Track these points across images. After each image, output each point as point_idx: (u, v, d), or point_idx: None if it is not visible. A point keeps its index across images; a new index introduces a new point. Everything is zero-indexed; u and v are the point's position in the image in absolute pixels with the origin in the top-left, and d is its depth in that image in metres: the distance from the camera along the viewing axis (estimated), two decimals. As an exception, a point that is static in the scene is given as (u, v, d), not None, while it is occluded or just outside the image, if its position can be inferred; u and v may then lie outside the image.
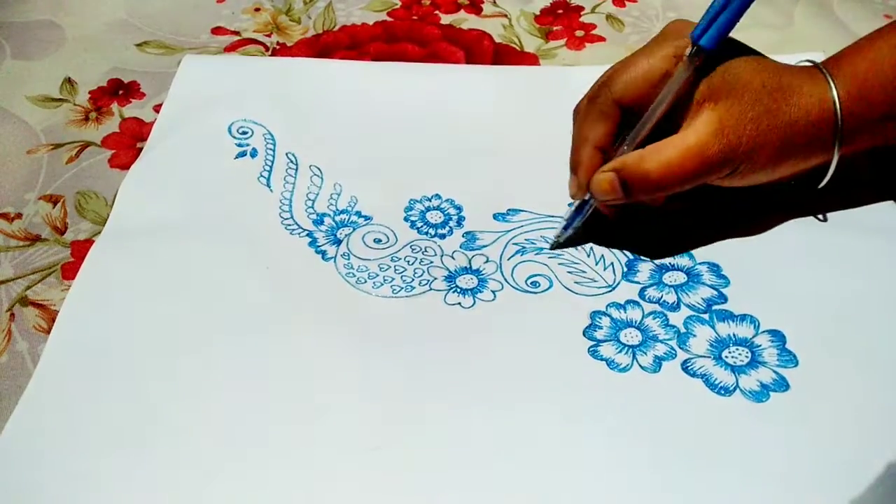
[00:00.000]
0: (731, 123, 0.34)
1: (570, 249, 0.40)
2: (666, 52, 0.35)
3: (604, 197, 0.36)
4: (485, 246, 0.40)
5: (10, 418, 0.33)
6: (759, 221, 0.41)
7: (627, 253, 0.40)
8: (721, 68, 0.35)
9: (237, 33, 0.56)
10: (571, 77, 0.50)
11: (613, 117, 0.37)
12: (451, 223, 0.41)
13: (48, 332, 0.37)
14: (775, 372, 0.34)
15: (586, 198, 0.37)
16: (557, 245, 0.40)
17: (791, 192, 0.39)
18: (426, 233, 0.41)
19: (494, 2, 0.59)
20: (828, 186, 0.38)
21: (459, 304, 0.38)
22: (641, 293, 0.38)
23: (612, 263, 0.39)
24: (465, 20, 0.57)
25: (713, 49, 0.34)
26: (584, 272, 0.39)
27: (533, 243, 0.40)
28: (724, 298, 0.37)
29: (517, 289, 0.38)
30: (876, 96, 0.34)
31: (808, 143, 0.35)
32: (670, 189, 0.35)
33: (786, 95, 0.34)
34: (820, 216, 0.41)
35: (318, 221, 0.42)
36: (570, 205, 0.39)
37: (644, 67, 0.36)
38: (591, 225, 0.40)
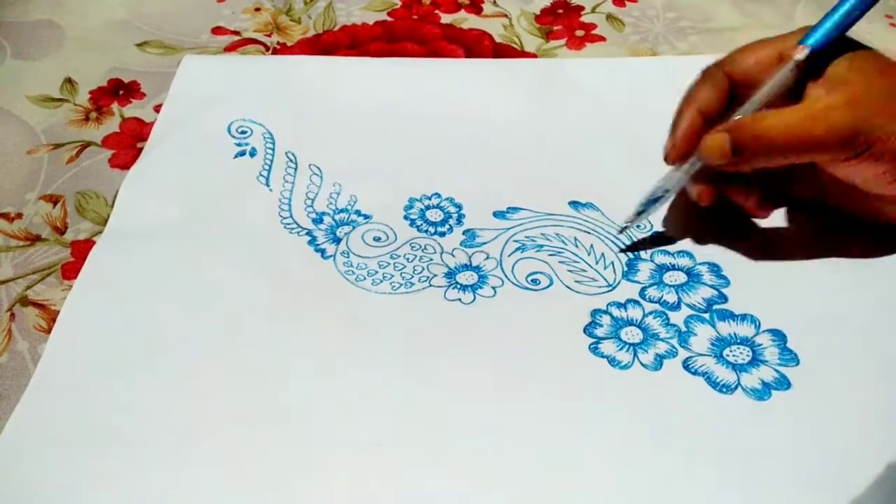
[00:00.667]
0: (865, 95, 0.32)
1: (571, 248, 0.40)
2: (787, 44, 0.35)
3: (713, 159, 0.34)
4: (485, 243, 0.40)
5: (10, 418, 0.33)
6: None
7: (628, 253, 0.39)
8: (846, 58, 0.34)
9: (237, 33, 0.56)
10: (569, 70, 0.50)
11: (722, 87, 0.36)
12: (451, 221, 0.41)
13: (48, 331, 0.37)
14: (777, 370, 0.34)
15: (661, 184, 0.37)
16: (624, 230, 0.40)
17: None
18: (426, 231, 0.41)
19: (495, 2, 0.59)
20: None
21: (459, 300, 0.38)
22: (642, 293, 0.38)
23: (612, 262, 0.39)
24: (466, 20, 0.57)
25: (817, 49, 0.34)
26: (584, 271, 0.39)
27: (533, 240, 0.40)
28: (724, 298, 0.37)
29: (517, 286, 0.38)
30: None
31: None
32: (785, 154, 0.33)
33: None
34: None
35: (318, 220, 0.42)
36: (657, 187, 0.38)
37: (762, 52, 0.36)
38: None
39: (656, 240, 0.40)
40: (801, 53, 0.34)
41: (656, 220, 0.41)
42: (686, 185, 0.38)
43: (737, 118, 0.35)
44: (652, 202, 0.38)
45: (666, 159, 0.37)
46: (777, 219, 0.40)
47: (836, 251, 0.38)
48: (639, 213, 0.39)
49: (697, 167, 0.36)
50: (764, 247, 0.39)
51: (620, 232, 0.40)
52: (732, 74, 0.37)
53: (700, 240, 0.40)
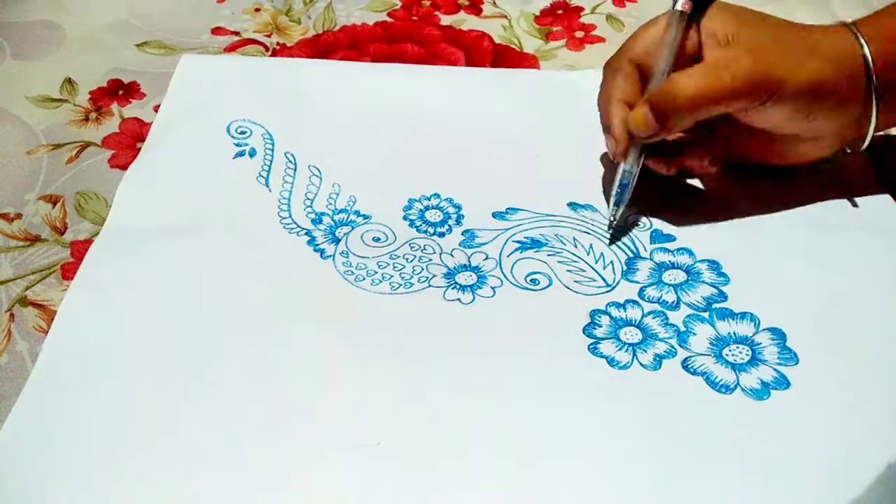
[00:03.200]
0: (763, 42, 0.34)
1: (570, 247, 0.40)
2: (667, 17, 0.37)
3: (641, 132, 0.36)
4: (484, 244, 0.40)
5: (8, 418, 0.33)
6: (748, 205, 0.41)
7: (628, 252, 0.40)
8: (731, 11, 0.36)
9: (237, 33, 0.56)
10: (571, 80, 0.50)
11: (632, 74, 0.38)
12: (451, 222, 0.41)
13: (48, 332, 0.37)
14: (776, 370, 0.34)
15: (625, 167, 0.39)
16: (612, 225, 0.40)
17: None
18: (425, 231, 0.41)
19: (494, 3, 0.59)
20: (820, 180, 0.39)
21: (459, 300, 0.38)
22: (641, 293, 0.38)
23: (611, 262, 0.39)
24: (465, 21, 0.57)
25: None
26: (583, 271, 0.39)
27: (532, 240, 0.40)
28: (724, 297, 0.37)
29: (516, 286, 0.38)
30: None
31: (843, 78, 0.35)
32: (701, 108, 0.35)
33: (811, 31, 0.35)
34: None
35: (317, 220, 0.42)
36: (619, 179, 0.39)
37: (651, 29, 0.38)
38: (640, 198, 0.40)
39: (655, 236, 0.40)
40: (678, 4, 0.37)
41: (655, 219, 0.41)
42: (649, 166, 0.40)
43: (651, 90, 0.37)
44: (621, 190, 0.39)
45: (614, 158, 0.39)
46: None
47: (835, 249, 0.39)
48: (616, 204, 0.40)
49: (638, 150, 0.38)
50: (764, 245, 0.39)
51: (610, 227, 0.40)
52: (635, 59, 0.38)
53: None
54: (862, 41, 0.35)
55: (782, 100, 0.35)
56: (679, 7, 0.37)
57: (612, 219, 0.40)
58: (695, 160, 0.40)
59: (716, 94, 0.34)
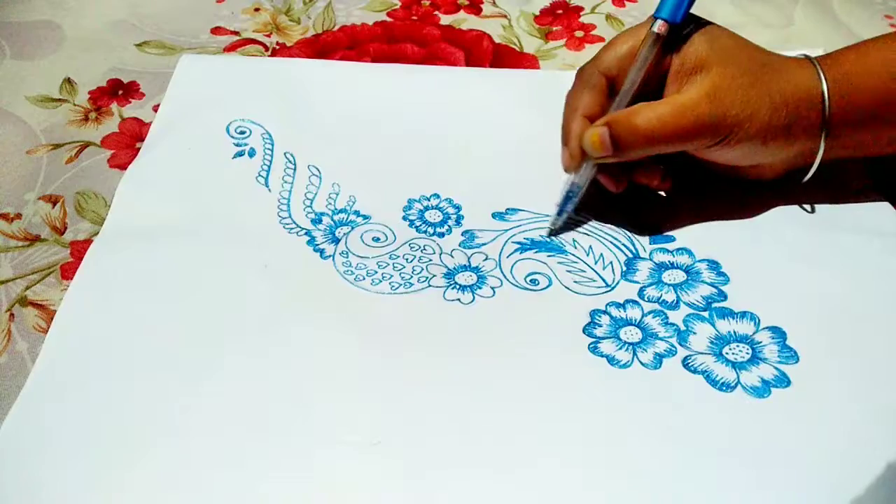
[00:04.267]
0: (724, 87, 0.35)
1: (570, 248, 0.40)
2: (646, 29, 0.37)
3: (595, 153, 0.37)
4: (484, 244, 0.40)
5: (7, 417, 0.33)
6: (747, 206, 0.41)
7: (627, 252, 0.40)
8: (705, 39, 0.36)
9: (237, 33, 0.56)
10: (567, 80, 0.50)
11: (600, 88, 0.38)
12: (450, 222, 0.41)
13: (47, 332, 0.37)
14: (776, 368, 0.34)
15: (574, 179, 0.39)
16: (553, 232, 0.40)
17: (779, 184, 0.40)
18: (425, 231, 0.41)
19: (494, 2, 0.59)
20: (815, 182, 0.39)
21: (459, 300, 0.38)
22: (641, 293, 0.38)
23: (611, 262, 0.39)
24: (465, 20, 0.57)
25: (673, 20, 0.36)
26: (583, 271, 0.39)
27: (532, 241, 0.40)
28: (723, 296, 0.37)
29: (516, 286, 0.38)
30: (863, 96, 0.36)
31: (796, 119, 0.36)
32: (658, 145, 0.36)
33: (775, 71, 0.36)
34: (807, 207, 0.41)
35: (317, 221, 0.42)
36: (567, 189, 0.40)
37: (627, 43, 0.38)
38: (586, 210, 0.41)
39: (655, 237, 0.40)
40: (654, 26, 0.36)
41: (656, 220, 0.41)
42: (598, 178, 0.40)
43: (613, 111, 0.37)
44: (566, 201, 0.40)
45: (566, 170, 0.39)
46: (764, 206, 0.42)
47: (834, 249, 0.39)
48: (559, 213, 0.40)
49: (591, 165, 0.38)
50: (763, 244, 0.39)
51: (549, 235, 0.40)
52: (608, 72, 0.38)
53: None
54: (822, 77, 0.36)
55: (737, 142, 0.36)
56: (655, 29, 0.36)
57: (551, 227, 0.40)
58: (645, 177, 0.39)
59: (675, 135, 0.35)
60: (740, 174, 0.40)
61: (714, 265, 0.39)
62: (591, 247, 0.40)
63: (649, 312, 0.37)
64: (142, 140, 0.47)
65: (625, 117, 0.36)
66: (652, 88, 0.38)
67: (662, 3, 0.36)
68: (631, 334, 0.36)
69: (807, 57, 0.37)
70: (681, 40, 0.36)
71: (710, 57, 0.36)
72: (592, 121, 0.38)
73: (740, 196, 0.41)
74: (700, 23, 0.37)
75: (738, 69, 0.35)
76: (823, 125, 0.36)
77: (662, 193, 0.42)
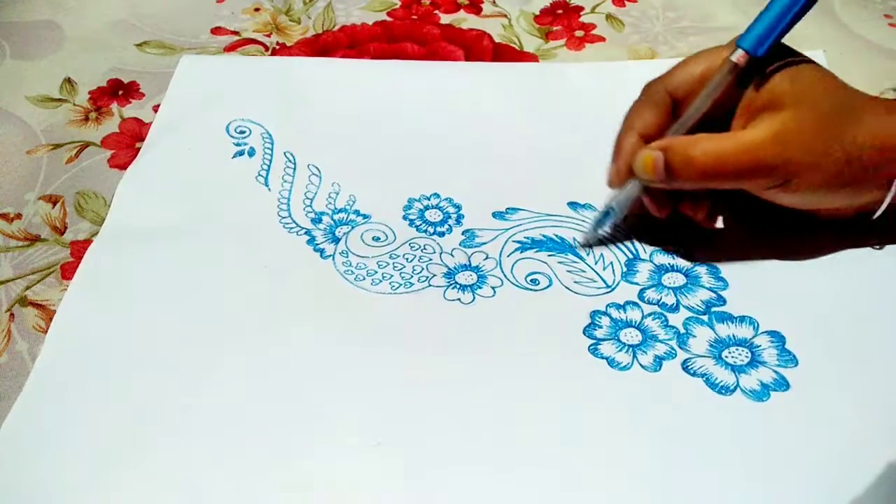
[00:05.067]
0: (793, 131, 0.33)
1: (569, 249, 0.40)
2: (726, 54, 0.35)
3: (644, 176, 0.35)
4: (484, 244, 0.40)
5: (7, 417, 0.33)
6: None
7: (627, 253, 0.39)
8: (786, 75, 0.34)
9: (237, 33, 0.56)
10: (568, 73, 0.50)
11: (664, 108, 0.36)
12: (451, 221, 0.41)
13: (47, 332, 0.37)
14: (775, 372, 0.34)
15: (617, 196, 0.37)
16: (586, 245, 0.40)
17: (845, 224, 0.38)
18: (425, 231, 0.41)
19: (494, 2, 0.59)
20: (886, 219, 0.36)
21: (459, 300, 0.38)
22: (641, 294, 0.38)
23: (611, 263, 0.39)
24: (465, 20, 0.57)
25: (754, 52, 0.33)
26: (583, 272, 0.39)
27: (532, 240, 0.40)
28: (722, 300, 0.37)
29: (517, 286, 0.38)
30: None
31: (870, 171, 0.33)
32: (713, 180, 0.34)
33: (855, 115, 0.33)
34: (877, 245, 0.39)
35: (317, 220, 0.42)
36: (606, 205, 0.38)
37: (702, 65, 0.36)
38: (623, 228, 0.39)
39: (655, 242, 0.40)
40: (734, 55, 0.34)
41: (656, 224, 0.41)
42: (644, 201, 0.38)
43: (671, 134, 0.35)
44: (604, 217, 0.38)
45: (609, 185, 0.38)
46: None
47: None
48: (595, 228, 0.39)
49: (638, 186, 0.36)
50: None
51: (583, 246, 0.40)
52: (675, 92, 0.36)
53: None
54: None
55: (797, 189, 0.34)
56: (734, 59, 0.34)
57: (584, 242, 0.40)
58: (691, 209, 0.37)
59: (732, 174, 0.33)
60: (806, 215, 0.37)
61: (713, 269, 0.38)
62: (591, 246, 0.40)
63: (649, 314, 0.37)
64: (142, 140, 0.47)
65: (683, 147, 0.34)
66: (718, 117, 0.35)
67: (747, 32, 0.34)
68: (631, 336, 0.36)
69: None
70: (760, 73, 0.34)
71: (785, 96, 0.33)
72: (647, 140, 0.36)
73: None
74: (786, 53, 0.34)
75: (813, 113, 0.33)
76: None
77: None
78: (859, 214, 0.36)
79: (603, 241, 0.40)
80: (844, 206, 0.35)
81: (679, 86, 0.36)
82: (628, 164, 0.36)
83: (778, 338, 0.35)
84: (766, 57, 0.34)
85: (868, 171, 0.33)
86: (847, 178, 0.33)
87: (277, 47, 0.55)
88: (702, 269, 0.39)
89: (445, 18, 0.57)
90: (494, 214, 0.42)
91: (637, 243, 0.40)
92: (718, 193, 0.36)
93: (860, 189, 0.34)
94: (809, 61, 0.34)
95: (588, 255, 0.39)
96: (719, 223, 0.40)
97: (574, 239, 0.40)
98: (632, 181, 0.36)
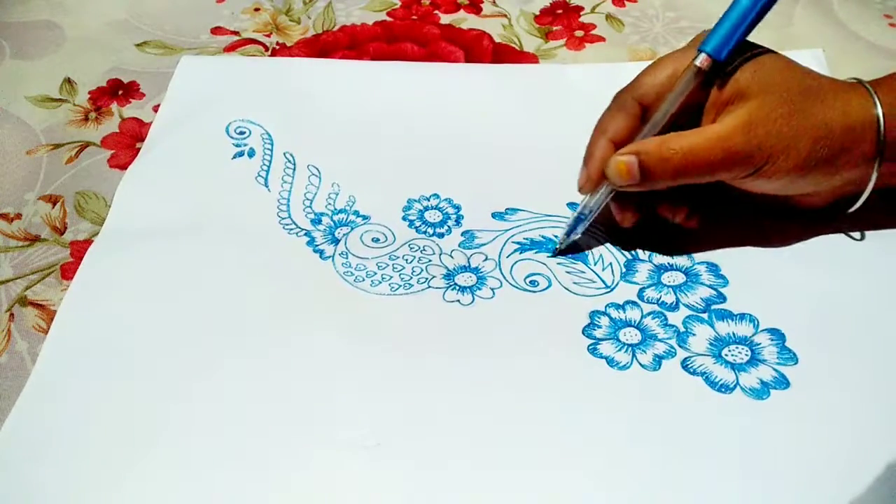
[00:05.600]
0: (761, 118, 0.34)
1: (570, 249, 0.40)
2: (689, 57, 0.35)
3: (619, 181, 0.35)
4: (483, 245, 0.40)
5: (8, 418, 0.33)
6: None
7: (626, 254, 0.39)
8: (748, 69, 0.34)
9: (237, 33, 0.56)
10: (568, 74, 0.50)
11: (633, 113, 0.37)
12: (450, 222, 0.41)
13: (47, 332, 0.37)
14: (775, 370, 0.34)
15: (588, 202, 0.37)
16: (560, 252, 0.40)
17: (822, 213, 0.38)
18: (424, 232, 0.41)
19: (494, 2, 0.59)
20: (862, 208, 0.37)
21: (458, 301, 0.38)
22: (640, 294, 0.38)
23: (610, 264, 0.39)
24: (465, 20, 0.57)
25: (717, 56, 0.34)
26: (582, 272, 0.39)
27: (531, 241, 0.40)
28: (722, 298, 0.37)
29: (516, 287, 0.38)
30: None
31: (842, 150, 0.34)
32: (688, 176, 0.34)
33: (820, 97, 0.34)
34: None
35: (317, 221, 0.42)
36: (579, 211, 0.38)
37: (668, 70, 0.36)
38: (596, 232, 0.40)
39: (654, 244, 0.40)
40: (697, 60, 0.35)
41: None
42: (612, 209, 0.38)
43: (641, 138, 0.36)
44: (576, 223, 0.38)
45: (580, 190, 0.38)
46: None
47: (833, 250, 0.39)
48: (568, 234, 0.39)
49: (610, 190, 0.37)
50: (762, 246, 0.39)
51: (554, 254, 0.40)
52: (643, 98, 0.37)
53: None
54: (877, 102, 0.34)
55: (773, 175, 0.34)
56: (697, 63, 0.34)
57: (559, 247, 0.39)
58: (670, 212, 0.38)
59: (706, 167, 0.34)
60: (784, 204, 0.38)
61: (713, 267, 0.38)
62: (590, 247, 0.40)
63: (649, 314, 0.37)
64: (142, 140, 0.47)
65: (655, 147, 0.34)
66: (686, 119, 0.36)
67: (709, 37, 0.34)
68: (630, 336, 0.36)
69: (859, 81, 0.35)
70: (724, 71, 0.35)
71: (749, 87, 0.34)
72: (619, 146, 0.36)
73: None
74: (746, 50, 0.35)
75: (778, 99, 0.34)
76: (878, 153, 0.34)
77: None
78: (836, 202, 0.37)
79: (584, 246, 0.40)
80: (819, 189, 0.36)
81: (647, 92, 0.36)
82: (600, 170, 0.36)
83: (778, 336, 0.35)
84: (727, 61, 0.35)
85: (838, 152, 0.34)
86: (818, 158, 0.34)
87: (277, 47, 0.55)
88: (701, 267, 0.39)
89: (445, 18, 0.57)
90: (494, 215, 0.42)
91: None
92: (694, 193, 0.37)
93: (832, 171, 0.35)
94: (769, 51, 0.35)
95: (587, 255, 0.39)
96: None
97: (552, 249, 0.40)
98: (603, 186, 0.37)
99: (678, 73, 0.36)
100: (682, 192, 0.37)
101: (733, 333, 0.36)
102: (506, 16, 0.57)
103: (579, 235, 0.39)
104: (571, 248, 0.40)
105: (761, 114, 0.34)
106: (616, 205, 0.38)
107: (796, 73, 0.35)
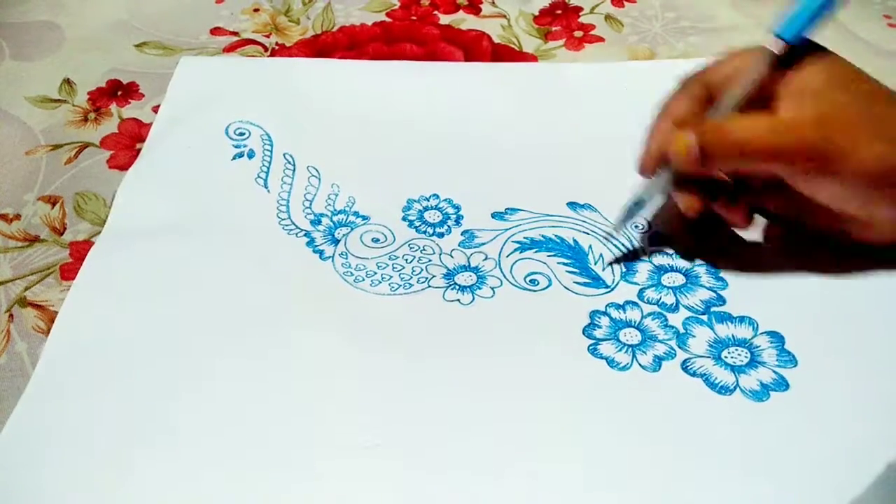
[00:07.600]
0: (833, 115, 0.32)
1: (569, 250, 0.40)
2: (757, 52, 0.35)
3: (679, 158, 0.34)
4: (483, 244, 0.40)
5: (9, 419, 0.33)
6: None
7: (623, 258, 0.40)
8: (822, 65, 0.34)
9: (236, 34, 0.56)
10: (568, 73, 0.50)
11: (699, 98, 0.36)
12: (450, 222, 0.41)
13: (47, 332, 0.37)
14: (775, 372, 0.34)
15: (645, 188, 0.37)
16: (609, 237, 0.40)
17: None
18: (424, 232, 0.41)
19: (493, 2, 0.59)
20: None
21: (458, 300, 0.38)
22: (640, 294, 0.38)
23: (610, 264, 0.39)
24: (464, 20, 0.57)
25: (791, 41, 0.34)
26: (582, 272, 0.39)
27: (531, 240, 0.40)
28: (722, 300, 0.37)
29: (516, 286, 0.38)
30: None
31: None
32: (751, 159, 0.33)
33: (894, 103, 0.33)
34: None
35: (316, 222, 0.42)
36: (637, 196, 0.38)
37: (736, 59, 0.36)
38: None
39: (654, 241, 0.40)
40: (775, 46, 0.34)
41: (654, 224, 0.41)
42: (675, 196, 0.38)
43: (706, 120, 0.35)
44: (634, 208, 0.38)
45: (640, 171, 0.37)
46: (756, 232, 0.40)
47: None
48: (623, 220, 0.39)
49: (669, 174, 0.36)
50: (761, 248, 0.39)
51: (607, 238, 0.40)
52: (710, 85, 0.36)
53: (689, 244, 0.40)
54: None
55: (841, 174, 0.32)
56: (772, 48, 0.34)
57: (612, 232, 0.39)
58: (727, 211, 0.37)
59: (771, 152, 0.32)
60: (845, 231, 0.36)
61: (712, 269, 0.38)
62: (590, 246, 0.40)
63: (648, 314, 0.37)
64: (141, 141, 0.47)
65: (717, 125, 0.33)
66: (755, 109, 0.35)
67: (782, 22, 0.34)
68: (630, 336, 0.36)
69: None
70: (794, 64, 0.34)
71: (822, 83, 0.33)
72: (681, 129, 0.34)
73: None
74: (818, 48, 0.34)
75: (853, 98, 0.32)
76: None
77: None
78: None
79: (613, 237, 0.40)
80: (883, 217, 0.34)
81: (715, 78, 0.36)
82: (661, 149, 0.35)
83: (777, 338, 0.35)
84: (802, 48, 0.34)
85: None
86: (890, 178, 0.32)
87: (276, 48, 0.55)
88: (701, 269, 0.39)
89: (444, 19, 0.57)
90: (494, 215, 0.42)
91: (636, 243, 0.40)
92: (751, 195, 0.36)
93: None
94: (838, 57, 0.35)
95: (588, 255, 0.39)
96: (757, 234, 0.39)
97: (604, 230, 0.40)
98: (663, 170, 0.36)
99: (748, 63, 0.35)
100: (740, 189, 0.36)
101: (733, 336, 0.36)
102: (505, 16, 0.57)
103: (633, 222, 0.38)
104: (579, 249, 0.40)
105: (833, 111, 0.32)
106: (679, 192, 0.37)
107: (869, 80, 0.34)
